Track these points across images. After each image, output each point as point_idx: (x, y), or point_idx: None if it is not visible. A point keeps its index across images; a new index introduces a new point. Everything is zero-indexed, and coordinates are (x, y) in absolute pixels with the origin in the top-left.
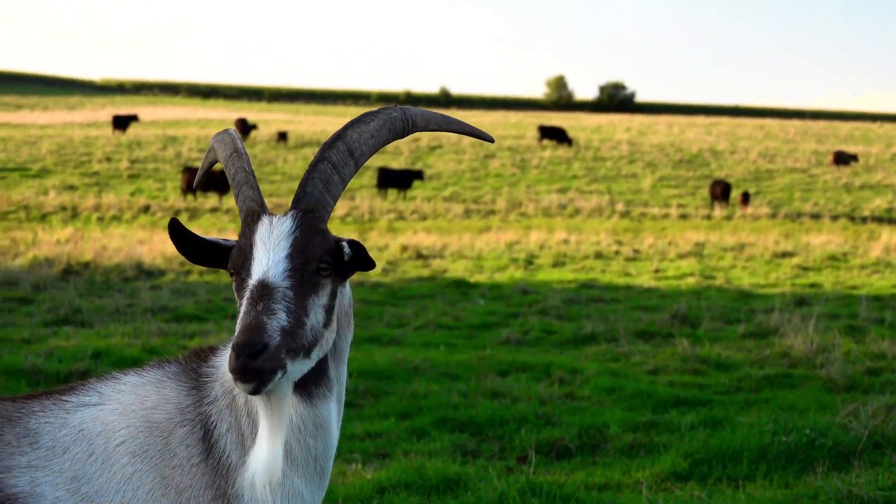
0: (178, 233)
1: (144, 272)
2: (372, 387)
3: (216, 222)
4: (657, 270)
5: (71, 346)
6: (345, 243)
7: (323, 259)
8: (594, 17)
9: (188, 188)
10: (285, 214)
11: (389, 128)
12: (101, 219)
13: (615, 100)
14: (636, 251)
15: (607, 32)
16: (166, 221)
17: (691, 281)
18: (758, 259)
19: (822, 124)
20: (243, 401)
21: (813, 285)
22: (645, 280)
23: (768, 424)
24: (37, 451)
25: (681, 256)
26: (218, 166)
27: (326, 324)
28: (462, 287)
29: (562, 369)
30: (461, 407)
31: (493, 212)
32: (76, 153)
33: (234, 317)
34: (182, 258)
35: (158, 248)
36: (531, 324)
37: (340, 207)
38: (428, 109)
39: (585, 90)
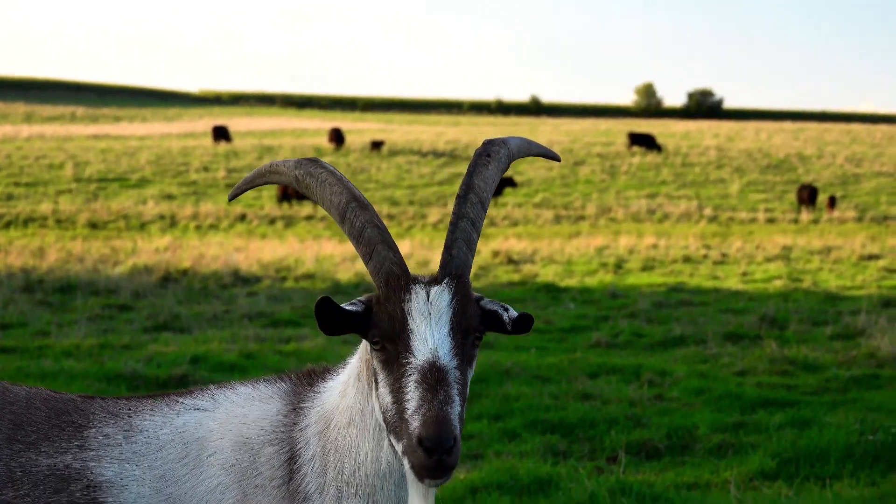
0: (328, 311)
1: (241, 279)
2: None
3: (311, 230)
4: (745, 274)
5: (170, 351)
6: (508, 316)
7: (478, 329)
8: (682, 25)
9: (283, 197)
10: (439, 283)
11: (502, 167)
12: (198, 227)
13: (703, 106)
14: (724, 255)
15: (695, 40)
16: (262, 229)
17: (779, 284)
18: (844, 262)
19: None
20: (335, 435)
21: None
22: (733, 283)
23: (855, 424)
24: (131, 445)
25: (768, 260)
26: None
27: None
28: (552, 291)
29: (651, 371)
30: (552, 409)
31: (582, 217)
32: (174, 163)
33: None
34: (279, 267)
35: (254, 255)
36: (621, 327)
37: (435, 214)
38: (517, 137)
39: (674, 97)
